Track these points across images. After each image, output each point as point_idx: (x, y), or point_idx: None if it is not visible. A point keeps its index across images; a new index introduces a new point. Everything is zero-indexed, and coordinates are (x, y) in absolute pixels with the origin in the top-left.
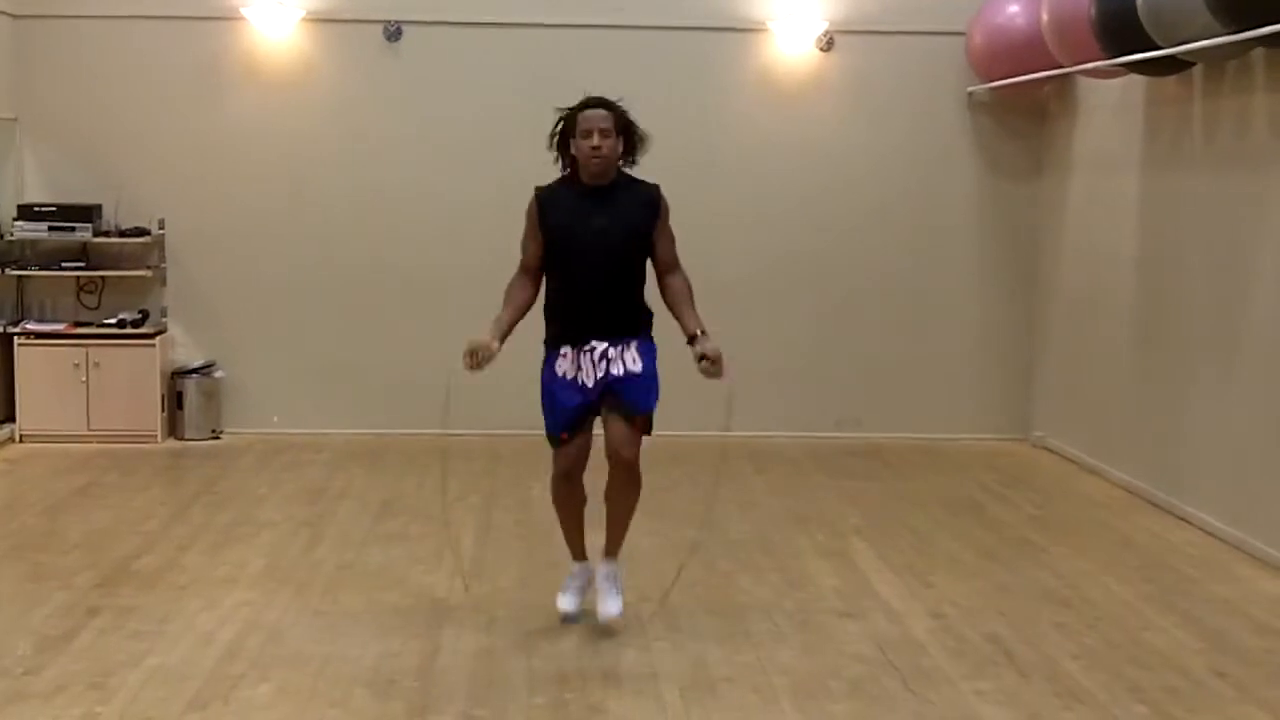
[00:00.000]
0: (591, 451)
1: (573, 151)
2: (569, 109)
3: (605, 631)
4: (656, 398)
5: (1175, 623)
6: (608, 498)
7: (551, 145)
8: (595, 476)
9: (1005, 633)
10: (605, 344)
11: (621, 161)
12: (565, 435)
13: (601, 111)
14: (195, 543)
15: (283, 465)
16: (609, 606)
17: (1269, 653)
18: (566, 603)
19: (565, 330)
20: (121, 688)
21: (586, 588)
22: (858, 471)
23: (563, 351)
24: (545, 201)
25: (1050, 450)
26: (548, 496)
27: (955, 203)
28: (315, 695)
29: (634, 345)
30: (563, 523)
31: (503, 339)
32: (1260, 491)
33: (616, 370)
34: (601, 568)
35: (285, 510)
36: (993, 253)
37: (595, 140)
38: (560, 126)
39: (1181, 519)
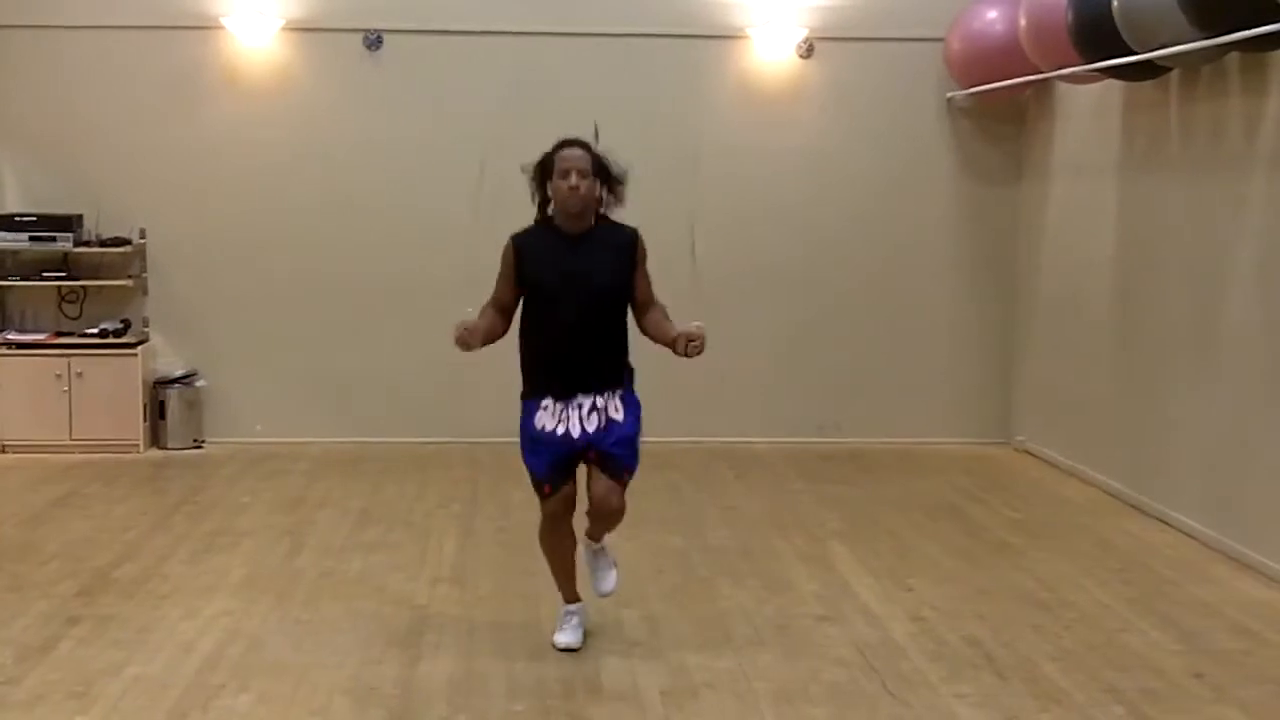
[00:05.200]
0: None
1: (550, 194)
2: (545, 153)
3: (587, 636)
4: (637, 456)
5: (1153, 624)
6: (590, 517)
7: (531, 190)
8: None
9: (984, 635)
10: (591, 397)
11: (601, 206)
12: (549, 488)
13: (579, 151)
14: (176, 552)
15: (264, 474)
16: (603, 584)
17: (1245, 654)
18: (567, 638)
19: (547, 383)
20: (101, 697)
21: (583, 623)
22: (837, 476)
23: (544, 404)
24: (523, 249)
25: (1030, 453)
26: (528, 501)
27: (935, 208)
28: (295, 704)
29: (619, 395)
30: (552, 565)
31: (481, 342)
32: (1237, 493)
33: (604, 420)
34: (589, 546)
35: (266, 519)
36: (972, 257)
37: (573, 180)
38: (538, 170)
39: (1160, 521)
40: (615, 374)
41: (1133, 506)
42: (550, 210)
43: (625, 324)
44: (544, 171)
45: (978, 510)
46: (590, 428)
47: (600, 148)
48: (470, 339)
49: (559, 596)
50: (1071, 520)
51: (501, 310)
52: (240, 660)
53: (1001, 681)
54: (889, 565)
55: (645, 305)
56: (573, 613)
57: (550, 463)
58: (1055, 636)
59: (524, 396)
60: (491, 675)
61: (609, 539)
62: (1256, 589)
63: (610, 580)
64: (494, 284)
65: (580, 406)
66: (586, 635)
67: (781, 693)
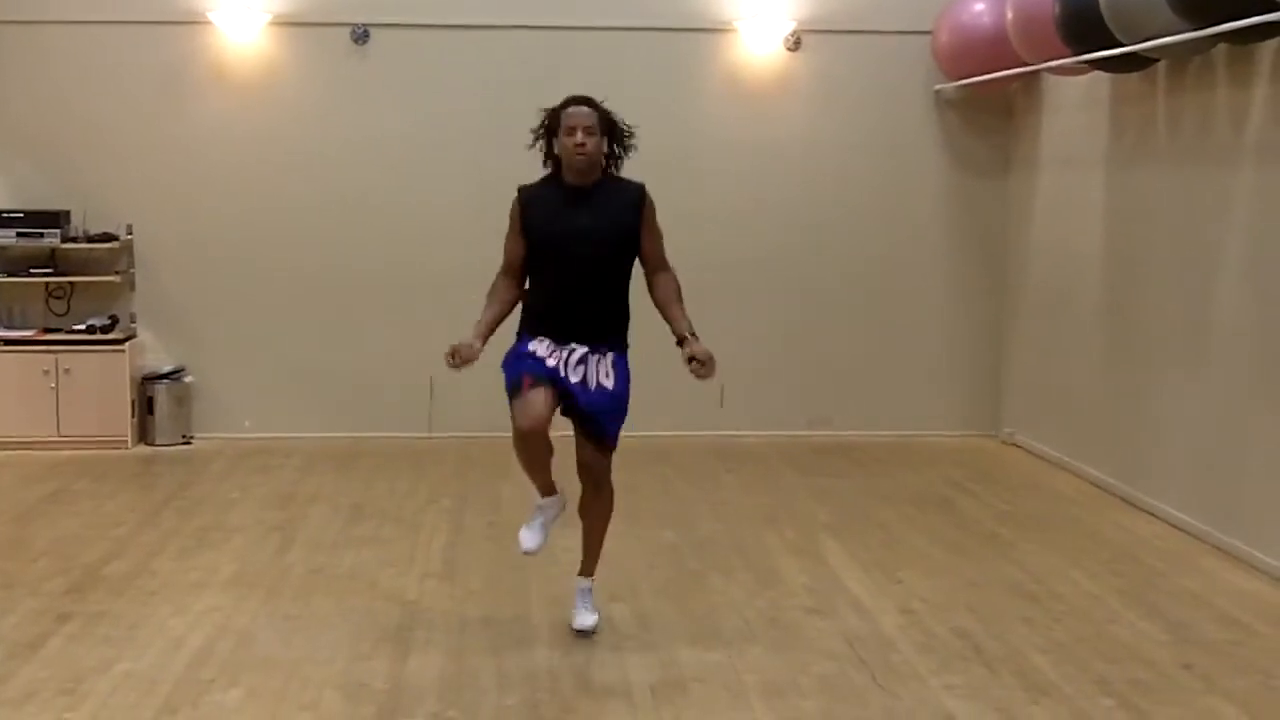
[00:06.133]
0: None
1: (556, 150)
2: (553, 107)
3: (576, 632)
4: (623, 419)
5: (1142, 615)
6: (581, 513)
7: (536, 144)
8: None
9: (974, 627)
10: (585, 348)
11: (607, 164)
12: (530, 380)
13: (585, 109)
14: (165, 548)
15: (253, 469)
16: (583, 619)
17: (1234, 644)
18: (529, 539)
19: (544, 328)
20: (91, 694)
21: (553, 522)
22: (828, 469)
23: (540, 339)
24: (528, 201)
25: (1019, 446)
26: (517, 497)
27: (923, 200)
28: (285, 699)
29: (610, 357)
30: (528, 470)
31: (485, 339)
32: (1226, 485)
33: (591, 381)
34: (580, 582)
35: (256, 515)
36: (961, 250)
37: (579, 137)
38: (544, 125)
39: (1149, 513)
40: (612, 330)
41: (1122, 499)
42: (558, 165)
43: (627, 280)
44: (551, 128)
45: (968, 503)
46: (575, 378)
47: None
48: (470, 355)
49: (550, 590)
50: (1061, 512)
51: (511, 272)
52: (230, 656)
53: (991, 673)
54: (879, 558)
55: (655, 267)
56: (544, 507)
57: (535, 369)
58: (1045, 628)
59: (519, 334)
60: (482, 670)
61: (602, 544)
62: (1245, 580)
63: (590, 620)
64: (491, 277)
65: (573, 351)
66: (575, 631)
67: (771, 686)
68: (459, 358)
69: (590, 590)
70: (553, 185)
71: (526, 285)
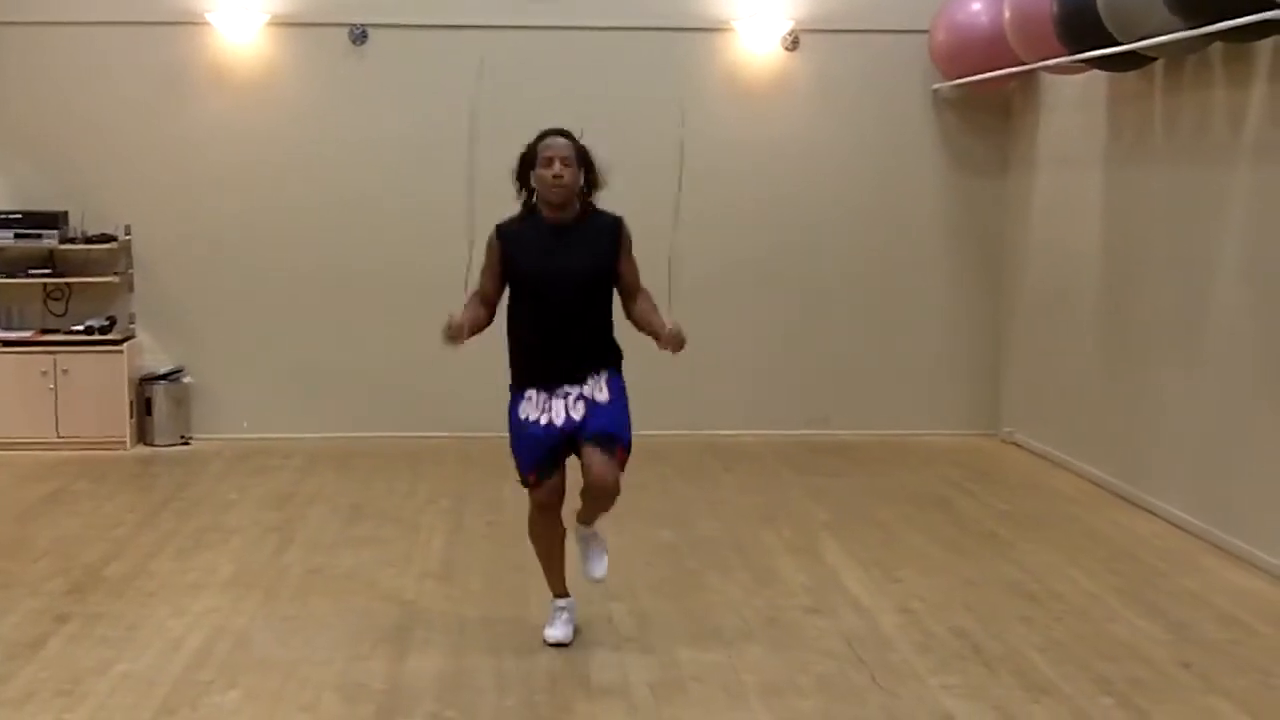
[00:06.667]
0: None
1: (533, 183)
2: (529, 144)
3: (576, 630)
4: (630, 431)
5: (1141, 614)
6: (583, 497)
7: (516, 182)
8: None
9: (972, 627)
10: (577, 388)
11: (583, 196)
12: (533, 478)
13: (562, 141)
14: (164, 549)
15: (252, 470)
16: (594, 569)
17: (1234, 643)
18: (557, 633)
19: (532, 373)
20: (90, 694)
21: (573, 618)
22: (826, 468)
23: (528, 395)
24: (506, 239)
25: (1018, 445)
26: (517, 497)
27: (921, 200)
28: (283, 700)
29: (604, 378)
30: (540, 557)
31: (470, 334)
32: (1225, 483)
33: (589, 406)
34: (580, 531)
35: (254, 515)
36: (959, 249)
37: (556, 169)
38: (521, 160)
39: (1148, 512)
40: (599, 362)
41: (1121, 497)
42: (534, 200)
43: (610, 312)
44: (527, 162)
45: (966, 502)
46: (576, 415)
47: (584, 141)
48: (459, 335)
49: (548, 590)
50: (1060, 511)
51: (486, 303)
52: (228, 657)
53: (990, 673)
54: (877, 557)
55: (632, 292)
56: (563, 608)
57: (534, 455)
58: (1044, 627)
59: (510, 388)
60: (480, 670)
61: (600, 524)
62: (1244, 579)
63: (601, 566)
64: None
65: (567, 396)
66: (576, 629)
67: (770, 685)
68: (453, 329)
69: (595, 535)
70: (530, 222)
71: (507, 322)
